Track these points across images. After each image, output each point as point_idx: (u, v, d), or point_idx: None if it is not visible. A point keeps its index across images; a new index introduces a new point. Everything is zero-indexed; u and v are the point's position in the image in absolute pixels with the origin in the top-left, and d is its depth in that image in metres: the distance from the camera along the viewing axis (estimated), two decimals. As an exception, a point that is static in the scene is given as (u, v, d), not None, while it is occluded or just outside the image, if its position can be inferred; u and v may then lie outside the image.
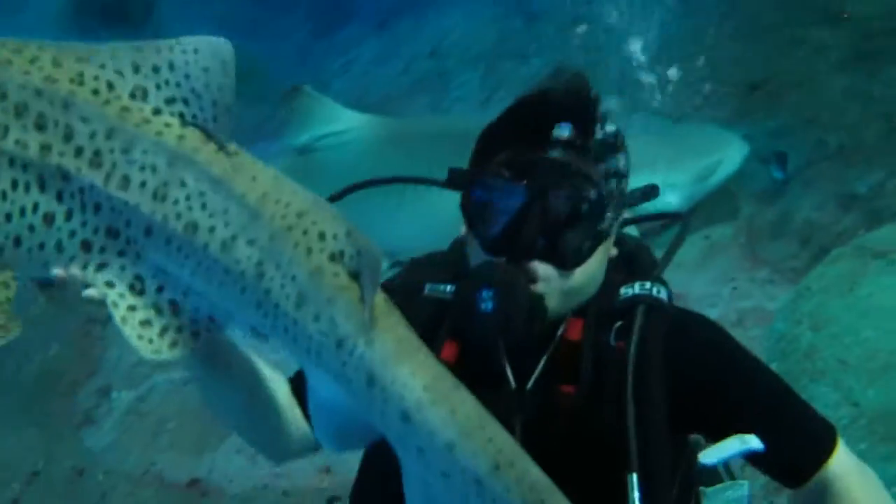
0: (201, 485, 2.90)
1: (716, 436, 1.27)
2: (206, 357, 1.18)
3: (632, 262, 1.36)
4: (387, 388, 1.04)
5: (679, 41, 5.04)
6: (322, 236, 1.06)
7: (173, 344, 1.10)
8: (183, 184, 1.06)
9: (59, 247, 1.07)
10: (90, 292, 1.07)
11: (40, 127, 1.06)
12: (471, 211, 1.26)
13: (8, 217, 1.07)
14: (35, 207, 1.07)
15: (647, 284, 1.28)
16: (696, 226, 4.34)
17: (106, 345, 3.63)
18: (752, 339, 3.35)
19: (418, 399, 1.04)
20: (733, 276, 3.91)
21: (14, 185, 1.06)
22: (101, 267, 1.09)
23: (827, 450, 1.27)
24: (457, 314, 1.23)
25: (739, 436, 1.25)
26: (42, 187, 1.07)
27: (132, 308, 1.09)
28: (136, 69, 1.08)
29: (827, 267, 2.88)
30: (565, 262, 1.21)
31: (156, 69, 1.08)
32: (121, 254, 1.09)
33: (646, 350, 1.23)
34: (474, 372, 1.21)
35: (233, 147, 1.08)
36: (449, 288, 1.24)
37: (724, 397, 1.28)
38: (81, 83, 1.07)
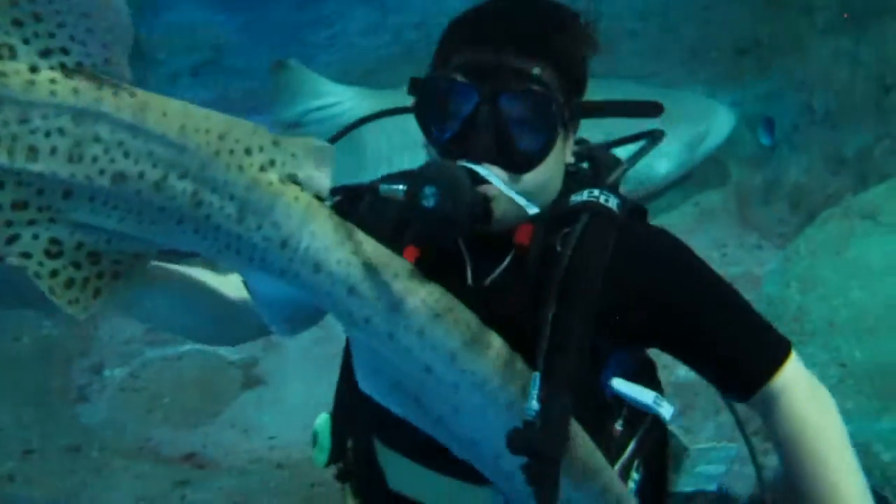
0: (197, 458, 2.91)
1: (667, 347, 1.28)
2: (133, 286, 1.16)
3: (597, 175, 1.36)
4: (333, 272, 1.14)
5: (666, 5, 5.01)
6: (248, 151, 1.10)
7: (96, 292, 1.08)
8: (97, 139, 1.01)
9: None
10: (11, 261, 1.03)
11: None
12: (424, 115, 1.26)
13: None
14: None
15: (596, 192, 1.27)
16: (685, 192, 4.36)
17: (97, 322, 3.63)
18: (741, 303, 3.38)
19: (361, 272, 1.15)
20: (724, 242, 3.94)
21: None
22: (13, 239, 1.02)
23: (775, 362, 1.26)
24: (403, 210, 1.25)
25: (657, 395, 1.27)
26: None
27: (54, 273, 1.05)
28: None
29: (816, 229, 2.90)
30: (514, 166, 1.21)
31: (17, 23, 0.97)
32: (31, 223, 1.02)
33: (581, 254, 1.22)
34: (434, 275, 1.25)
35: (128, 87, 1.03)
36: (401, 187, 1.23)
37: (670, 307, 1.26)
38: None
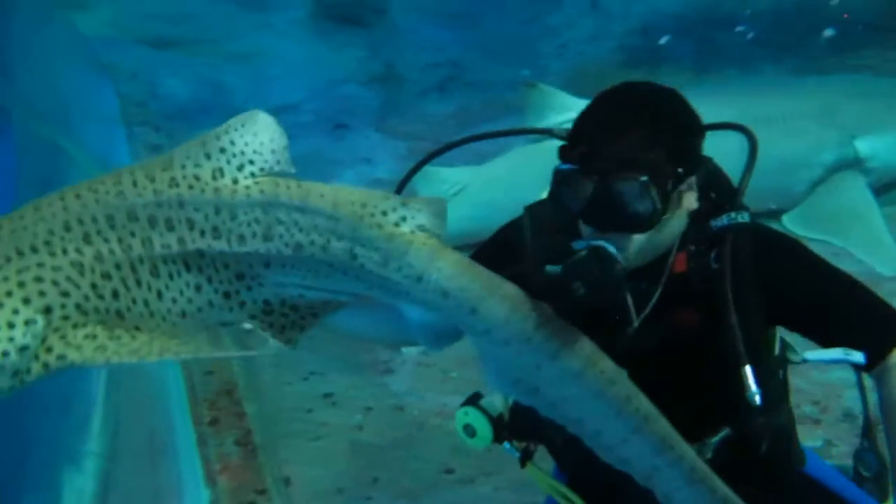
0: (486, 421, 3.54)
1: (803, 328, 1.60)
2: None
3: (713, 189, 1.61)
4: (457, 296, 1.37)
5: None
6: (384, 213, 1.38)
7: (302, 328, 1.43)
8: (280, 221, 1.36)
9: (210, 304, 1.38)
10: (244, 323, 1.40)
11: (171, 228, 1.34)
12: (560, 190, 1.51)
13: (174, 300, 1.37)
14: (188, 284, 1.37)
15: (733, 214, 1.55)
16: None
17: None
18: None
19: (479, 295, 1.37)
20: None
21: (171, 276, 1.36)
22: (242, 305, 1.39)
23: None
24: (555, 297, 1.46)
25: (845, 349, 1.54)
26: (188, 268, 1.37)
27: (271, 325, 1.42)
28: (208, 157, 1.36)
29: None
30: (637, 229, 1.47)
31: (222, 150, 1.36)
32: (248, 288, 1.39)
33: (739, 269, 1.53)
34: (602, 315, 1.55)
35: (295, 181, 1.38)
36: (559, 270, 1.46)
37: (808, 298, 1.57)
38: (177, 185, 1.34)
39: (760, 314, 1.55)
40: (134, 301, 1.35)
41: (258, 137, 1.37)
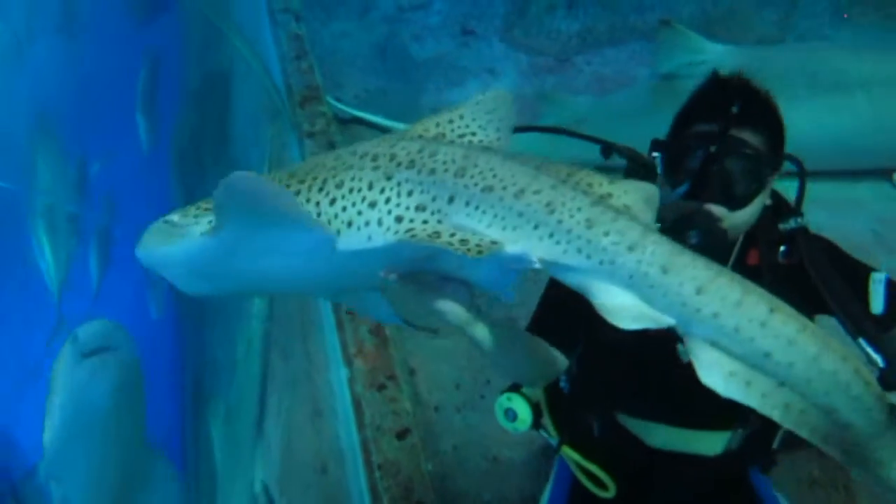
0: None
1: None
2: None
3: (776, 206, 1.86)
4: (680, 273, 1.28)
5: None
6: (590, 185, 1.35)
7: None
8: (476, 164, 1.39)
9: (380, 222, 1.42)
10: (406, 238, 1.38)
11: (374, 160, 1.46)
12: (670, 167, 1.74)
13: (343, 209, 1.44)
14: (363, 199, 1.43)
15: (799, 219, 1.79)
16: None
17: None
18: None
19: (706, 275, 1.28)
20: None
21: (350, 190, 1.44)
22: (409, 231, 1.39)
23: None
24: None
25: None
26: (370, 187, 1.43)
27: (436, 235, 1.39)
28: (437, 125, 1.53)
29: None
30: (734, 205, 1.70)
31: (450, 121, 1.53)
32: (424, 222, 1.39)
33: (814, 256, 1.74)
34: None
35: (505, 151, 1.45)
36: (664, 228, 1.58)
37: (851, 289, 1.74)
38: (402, 138, 1.50)
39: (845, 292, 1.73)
40: (307, 201, 1.48)
41: (490, 115, 1.53)
